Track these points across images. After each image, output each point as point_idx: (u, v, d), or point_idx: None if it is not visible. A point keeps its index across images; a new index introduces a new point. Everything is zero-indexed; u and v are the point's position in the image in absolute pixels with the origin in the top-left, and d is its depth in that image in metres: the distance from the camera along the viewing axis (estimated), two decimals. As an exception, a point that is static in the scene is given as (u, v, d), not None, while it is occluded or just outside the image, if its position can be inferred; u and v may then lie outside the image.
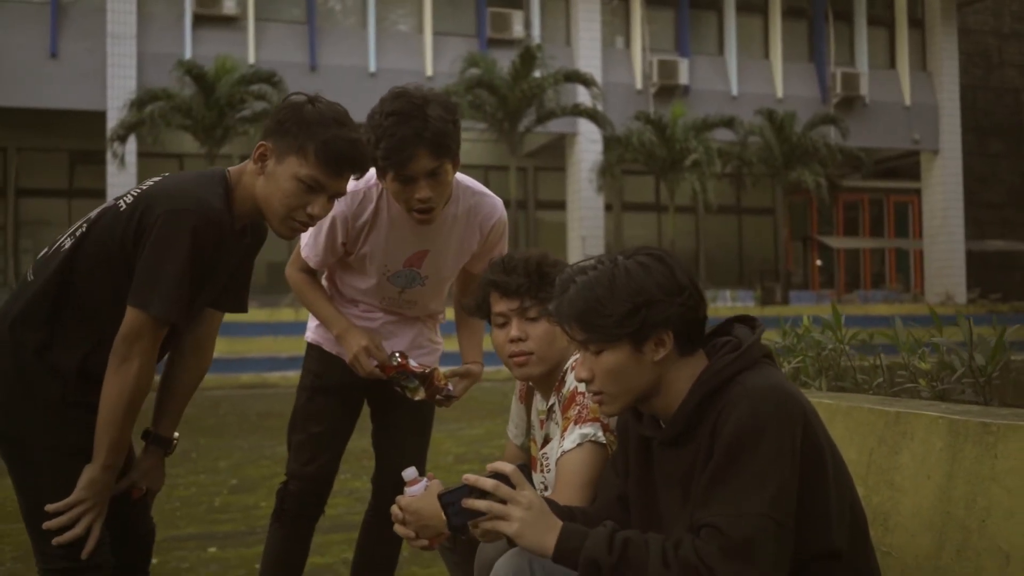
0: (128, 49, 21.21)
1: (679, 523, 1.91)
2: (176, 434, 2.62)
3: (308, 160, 2.30)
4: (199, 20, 22.20)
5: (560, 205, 25.23)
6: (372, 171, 2.77)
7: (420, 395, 2.95)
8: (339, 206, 2.81)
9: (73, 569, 2.29)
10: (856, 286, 29.08)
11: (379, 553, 3.24)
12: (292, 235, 2.41)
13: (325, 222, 2.86)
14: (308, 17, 22.89)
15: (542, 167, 26.11)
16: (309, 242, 2.96)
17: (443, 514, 1.94)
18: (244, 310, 2.66)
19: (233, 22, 22.44)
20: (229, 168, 2.40)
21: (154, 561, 4.38)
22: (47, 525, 2.26)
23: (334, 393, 3.09)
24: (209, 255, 2.29)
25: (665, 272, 1.93)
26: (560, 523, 1.87)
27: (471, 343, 3.16)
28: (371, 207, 2.88)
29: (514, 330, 2.51)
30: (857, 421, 2.75)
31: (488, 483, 1.88)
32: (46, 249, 2.41)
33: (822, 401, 2.92)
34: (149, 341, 2.26)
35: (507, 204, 22.79)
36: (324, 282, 3.13)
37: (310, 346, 3.17)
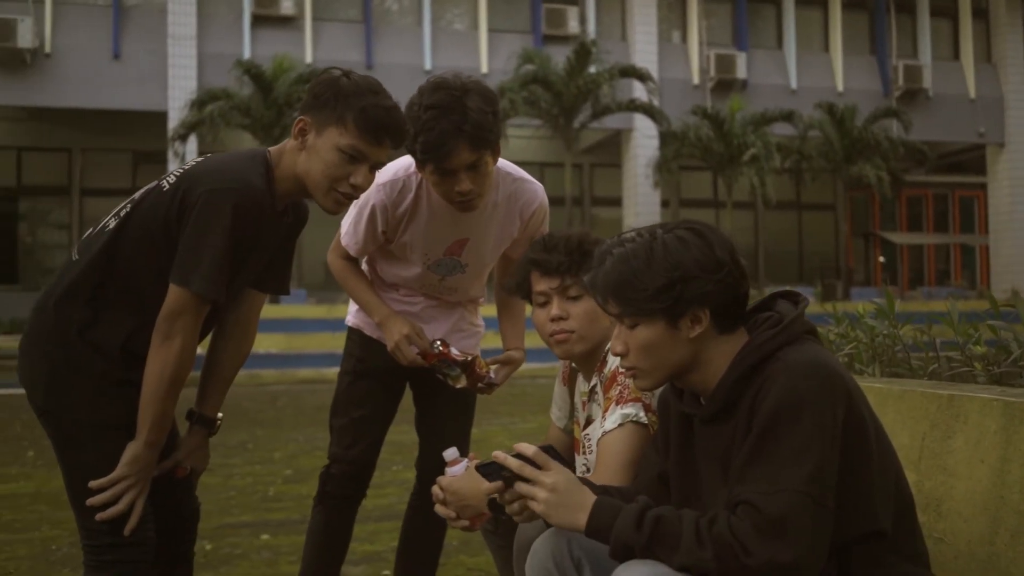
0: (188, 50, 21.56)
1: (719, 500, 1.87)
2: (220, 414, 2.63)
3: (347, 129, 2.32)
4: (257, 20, 22.49)
5: (616, 201, 25.13)
6: (411, 160, 2.77)
7: (462, 383, 2.95)
8: (379, 195, 2.82)
9: (115, 545, 2.31)
10: (920, 283, 28.57)
11: (424, 538, 3.24)
12: (337, 208, 2.41)
13: (365, 211, 2.87)
14: (364, 16, 23.08)
15: (598, 163, 26.04)
16: (349, 231, 2.97)
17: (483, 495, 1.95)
18: (286, 292, 2.68)
19: (291, 22, 22.70)
20: (270, 148, 2.42)
21: (208, 547, 4.48)
22: (91, 501, 2.28)
23: (376, 377, 3.09)
24: (249, 234, 2.31)
25: (704, 248, 1.89)
26: (593, 498, 1.85)
27: (513, 330, 3.15)
28: (411, 196, 2.86)
29: (555, 309, 2.50)
30: (909, 405, 2.69)
31: (513, 463, 1.87)
32: (91, 229, 2.44)
33: (873, 386, 2.86)
34: (191, 318, 2.28)
35: (562, 201, 22.88)
36: (364, 267, 3.13)
37: (351, 330, 3.18)
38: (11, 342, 17.87)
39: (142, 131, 22.73)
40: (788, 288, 2.07)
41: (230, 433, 8.49)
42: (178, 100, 20.92)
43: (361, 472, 3.09)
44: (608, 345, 2.45)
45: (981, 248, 28.98)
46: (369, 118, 2.32)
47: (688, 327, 1.89)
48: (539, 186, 3.02)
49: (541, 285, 2.53)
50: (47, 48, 21.15)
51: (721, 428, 1.91)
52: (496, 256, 3.08)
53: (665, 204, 24.45)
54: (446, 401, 3.15)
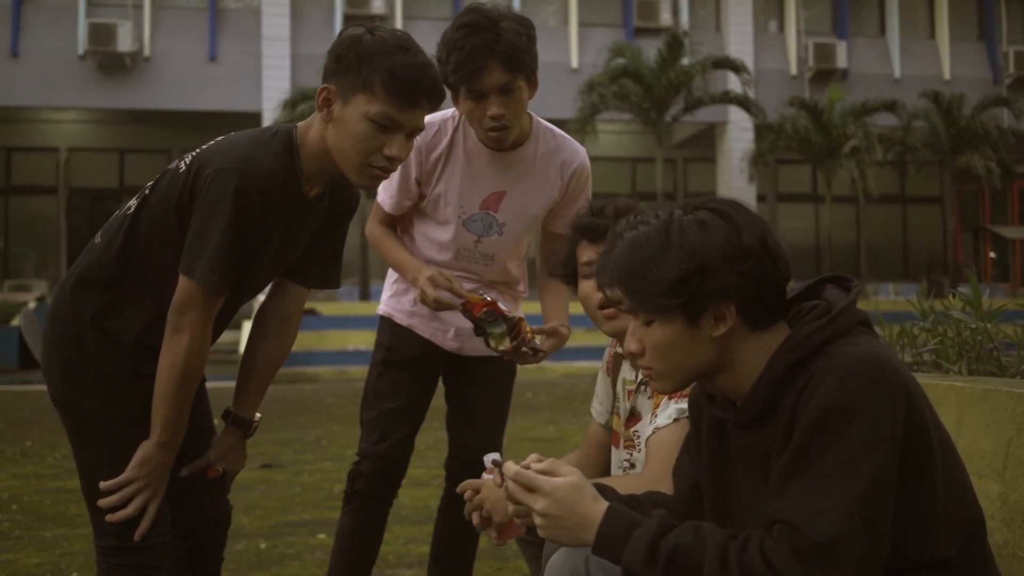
0: (282, 51, 21.87)
1: (760, 515, 1.59)
2: (258, 415, 2.48)
3: (376, 95, 2.07)
4: (349, 20, 22.69)
5: (711, 196, 24.66)
6: (451, 109, 2.73)
7: (505, 344, 2.68)
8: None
9: (123, 549, 2.18)
10: (1033, 278, 27.38)
11: (457, 540, 3.08)
12: (373, 184, 2.22)
13: None
14: (454, 14, 23.03)
15: (691, 158, 25.62)
16: (382, 183, 2.82)
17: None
18: (335, 285, 2.49)
19: (382, 21, 22.86)
20: (298, 123, 2.21)
21: (262, 545, 4.39)
22: (101, 503, 2.16)
23: (406, 368, 2.94)
24: (259, 218, 2.12)
25: (729, 232, 1.60)
26: (600, 512, 1.57)
27: (557, 307, 2.92)
28: (446, 140, 2.77)
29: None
30: (994, 407, 2.41)
31: (511, 488, 1.64)
32: (116, 212, 2.31)
33: (954, 385, 2.58)
34: (200, 311, 2.12)
35: (654, 196, 22.55)
36: (408, 233, 2.97)
37: (382, 319, 3.04)
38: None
39: (237, 131, 23.10)
40: (837, 274, 1.77)
41: (308, 429, 8.48)
42: (272, 100, 21.23)
43: (391, 469, 2.93)
44: None
45: (1099, 242, 27.64)
46: (399, 79, 2.06)
47: (711, 325, 1.62)
48: (581, 147, 2.91)
49: (588, 254, 2.33)
50: (146, 52, 21.68)
51: (760, 433, 1.64)
52: (535, 221, 2.91)
53: (762, 198, 23.91)
54: (481, 396, 3.00)
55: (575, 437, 7.80)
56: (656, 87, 20.78)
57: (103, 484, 2.16)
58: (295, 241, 2.30)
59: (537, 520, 1.60)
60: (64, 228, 23.36)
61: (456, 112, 2.79)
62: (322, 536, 4.61)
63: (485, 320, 2.68)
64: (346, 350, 16.38)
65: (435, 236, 2.88)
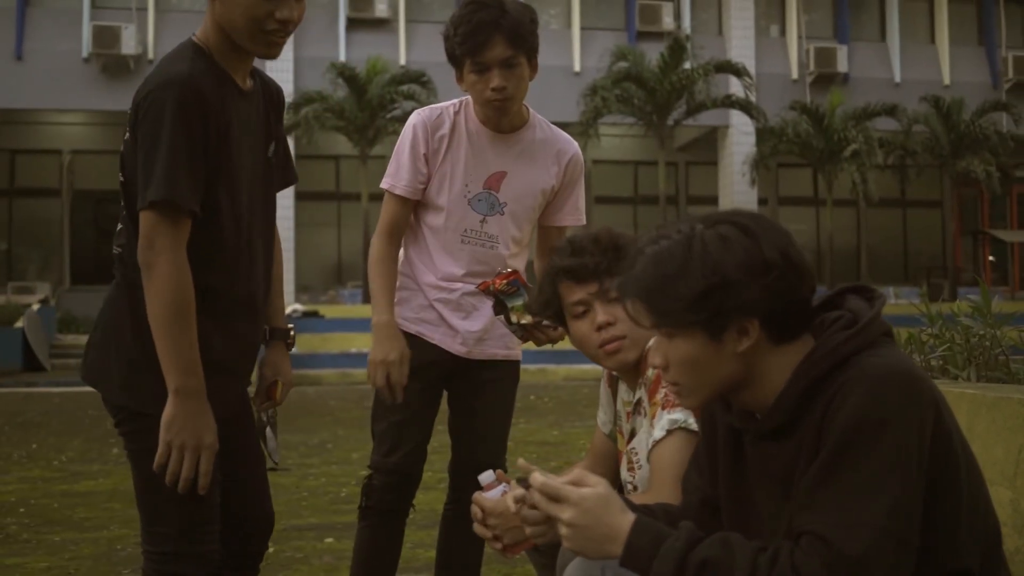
0: (285, 53, 21.76)
1: (780, 524, 1.61)
2: (291, 326, 2.50)
3: None
4: (352, 23, 22.73)
5: (712, 200, 24.68)
6: (450, 101, 2.93)
7: (526, 319, 2.67)
8: (418, 116, 2.90)
9: (179, 555, 2.15)
10: (1033, 282, 27.39)
11: (464, 546, 3.05)
12: (273, 50, 2.18)
13: (406, 135, 2.87)
14: (457, 17, 23.10)
15: (693, 161, 25.63)
16: (391, 170, 2.91)
17: None
18: (294, 180, 2.51)
19: (385, 24, 22.88)
20: (194, 33, 2.21)
21: (270, 550, 4.37)
22: (167, 481, 2.07)
23: (417, 375, 2.90)
24: (209, 121, 2.07)
25: (749, 247, 1.58)
26: (628, 525, 1.56)
27: None
28: (448, 122, 2.89)
29: (600, 315, 2.26)
30: (1005, 414, 2.43)
31: (538, 499, 1.62)
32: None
33: (965, 392, 2.60)
34: (167, 236, 2.03)
35: (656, 200, 22.57)
36: (409, 237, 2.98)
37: None
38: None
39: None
40: (859, 283, 1.76)
41: (313, 432, 8.49)
42: (275, 104, 21.22)
43: (403, 482, 2.92)
44: (649, 345, 2.24)
45: (1099, 246, 27.66)
46: None
47: (734, 340, 1.60)
48: (573, 139, 3.05)
49: (577, 294, 2.29)
50: (150, 54, 21.71)
51: (781, 446, 1.63)
52: (534, 205, 2.95)
53: (763, 202, 23.93)
54: (486, 403, 2.99)
55: (579, 441, 7.81)
56: (658, 91, 20.82)
57: (156, 467, 2.07)
58: (258, 143, 2.27)
59: (563, 530, 1.58)
60: (68, 230, 23.39)
61: (457, 102, 2.93)
62: (330, 540, 4.63)
63: (507, 292, 2.68)
64: (349, 352, 16.39)
65: (439, 226, 2.90)
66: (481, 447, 2.97)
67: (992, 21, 25.47)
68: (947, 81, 24.80)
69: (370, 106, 20.66)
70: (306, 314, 18.95)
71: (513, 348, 2.99)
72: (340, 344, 16.91)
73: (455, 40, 2.73)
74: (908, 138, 22.83)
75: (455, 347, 2.92)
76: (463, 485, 2.97)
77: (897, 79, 24.67)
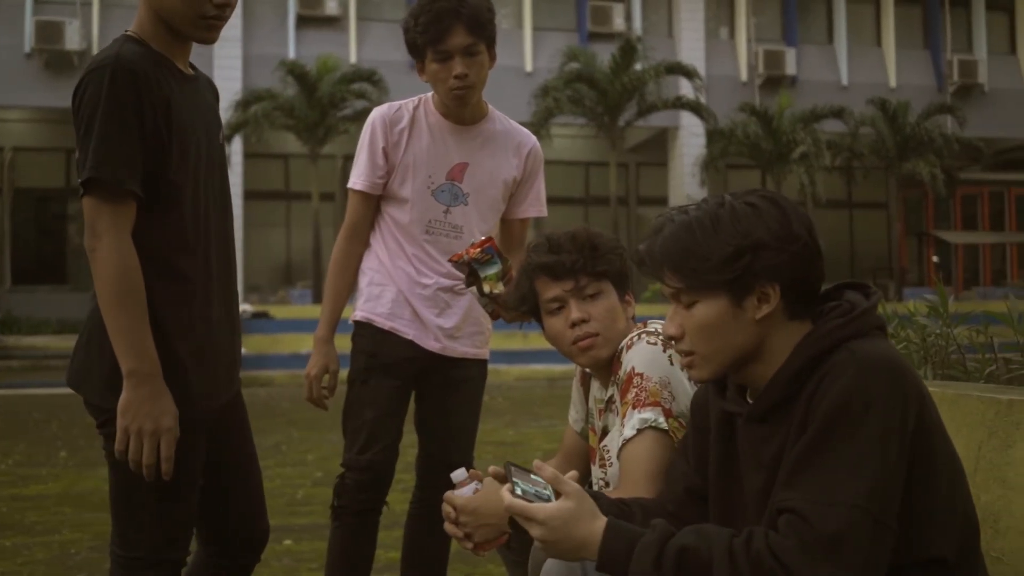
0: (234, 51, 21.65)
1: (766, 510, 1.62)
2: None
3: None
4: (302, 21, 22.54)
5: (662, 201, 24.87)
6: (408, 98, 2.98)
7: (498, 288, 2.68)
8: (377, 112, 2.95)
9: (149, 563, 2.10)
10: (975, 283, 27.96)
11: (431, 544, 3.05)
12: (212, 34, 2.15)
13: (366, 132, 2.92)
14: (409, 15, 23.04)
15: (644, 162, 25.80)
16: (354, 168, 2.95)
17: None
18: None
19: (335, 22, 22.73)
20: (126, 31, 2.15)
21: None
22: (133, 468, 2.00)
23: (390, 373, 2.92)
24: (143, 100, 2.01)
25: (779, 216, 1.65)
26: (599, 530, 1.59)
27: None
28: (407, 116, 2.93)
29: (575, 312, 2.27)
30: (964, 411, 2.47)
31: (505, 499, 1.64)
32: None
33: (924, 385, 2.64)
34: (107, 218, 1.98)
35: (607, 200, 22.68)
36: (377, 235, 2.98)
37: (360, 325, 2.98)
38: (60, 342, 18.06)
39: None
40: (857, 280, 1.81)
41: (265, 435, 8.40)
42: (223, 101, 20.60)
43: (377, 480, 2.91)
44: (622, 344, 2.24)
45: (1039, 247, 28.32)
46: None
47: (755, 306, 1.65)
48: (531, 134, 3.10)
49: (553, 291, 2.30)
50: (95, 50, 21.33)
51: (772, 429, 1.66)
52: (497, 197, 2.98)
53: (712, 203, 24.17)
54: (457, 401, 3.00)
55: (535, 441, 7.84)
56: (610, 92, 20.94)
57: (117, 453, 2.00)
58: (210, 127, 2.23)
59: (537, 544, 1.63)
60: (8, 229, 22.93)
61: (416, 98, 2.97)
62: (288, 542, 4.59)
63: (481, 260, 2.68)
64: (300, 353, 16.24)
65: (404, 218, 2.92)
66: (452, 445, 2.97)
67: (937, 25, 25.96)
68: (893, 84, 25.22)
69: (320, 104, 20.52)
70: (255, 315, 18.77)
71: (482, 348, 3.01)
72: (290, 345, 16.76)
73: (416, 30, 2.77)
74: (855, 140, 23.18)
75: (429, 343, 2.92)
76: (432, 483, 2.96)
77: (844, 82, 25.04)
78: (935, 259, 28.47)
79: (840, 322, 1.63)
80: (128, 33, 2.13)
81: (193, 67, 2.24)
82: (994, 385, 2.70)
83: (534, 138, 3.08)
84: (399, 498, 5.39)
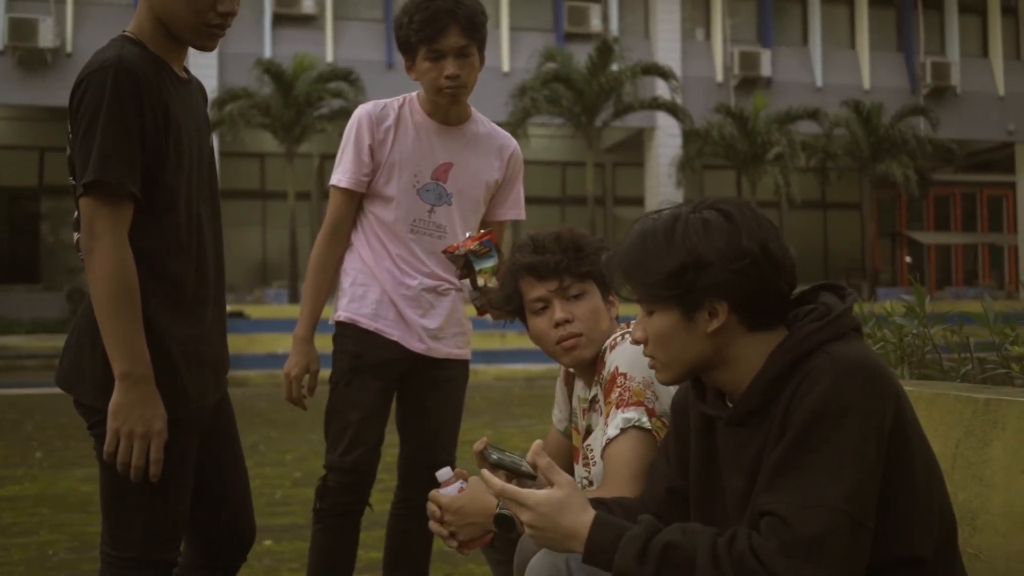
0: (208, 49, 21.53)
1: (747, 511, 1.66)
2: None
3: None
4: (278, 20, 22.47)
5: (639, 201, 24.96)
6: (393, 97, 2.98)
7: (492, 283, 2.67)
8: (363, 109, 2.94)
9: (140, 563, 2.10)
10: (947, 283, 28.25)
11: (413, 545, 3.05)
12: (213, 42, 2.16)
13: (351, 129, 2.90)
14: (385, 15, 23.00)
15: (620, 162, 25.89)
16: (337, 165, 2.93)
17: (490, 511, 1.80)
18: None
19: (311, 21, 22.67)
20: (124, 29, 2.16)
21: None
22: (121, 470, 2.01)
23: (375, 373, 2.91)
24: (146, 103, 2.02)
25: (728, 232, 1.65)
26: (587, 523, 1.62)
27: None
28: (393, 114, 2.92)
29: (559, 312, 2.30)
30: (942, 410, 2.51)
31: (496, 485, 1.68)
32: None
33: (901, 386, 2.67)
34: (106, 219, 1.98)
35: (584, 200, 22.75)
36: (359, 235, 2.96)
37: (344, 326, 2.96)
38: (33, 342, 17.92)
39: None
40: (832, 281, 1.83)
41: (243, 435, 8.28)
42: (199, 99, 20.90)
43: (360, 481, 2.91)
44: (606, 344, 2.27)
45: (1010, 248, 28.63)
46: None
47: (705, 320, 1.67)
48: (512, 136, 3.13)
49: (537, 291, 2.33)
50: (68, 48, 21.21)
51: (751, 432, 1.68)
52: (480, 197, 2.99)
53: (688, 203, 24.28)
54: (440, 401, 3.00)
55: (514, 440, 7.84)
56: (587, 92, 21.00)
57: (106, 456, 2.01)
58: (202, 130, 2.24)
59: (526, 530, 1.66)
60: (-20, 228, 22.74)
61: (401, 97, 2.97)
62: (268, 543, 4.58)
63: (479, 253, 2.69)
64: (276, 353, 16.17)
65: (388, 217, 2.90)
66: (435, 445, 2.97)
67: (911, 27, 26.19)
68: (867, 86, 25.42)
69: (296, 103, 20.47)
70: (231, 315, 18.64)
71: (464, 348, 3.01)
72: (267, 345, 16.68)
73: (411, 27, 2.77)
74: (829, 141, 23.36)
75: (413, 344, 2.91)
76: (414, 483, 2.97)
77: (819, 83, 25.22)
78: (908, 259, 28.72)
79: (816, 326, 1.65)
80: (126, 34, 2.13)
81: (186, 70, 2.25)
82: (971, 384, 2.74)
83: (515, 141, 3.09)
84: (380, 498, 5.38)
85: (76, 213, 2.14)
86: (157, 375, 2.02)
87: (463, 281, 2.77)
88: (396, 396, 3.03)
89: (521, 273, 2.34)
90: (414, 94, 2.97)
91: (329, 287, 2.97)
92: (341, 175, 2.91)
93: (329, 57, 22.14)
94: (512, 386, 13.24)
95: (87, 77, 2.01)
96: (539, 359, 17.84)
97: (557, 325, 2.30)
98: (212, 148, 2.32)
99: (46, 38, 20.44)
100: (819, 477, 1.53)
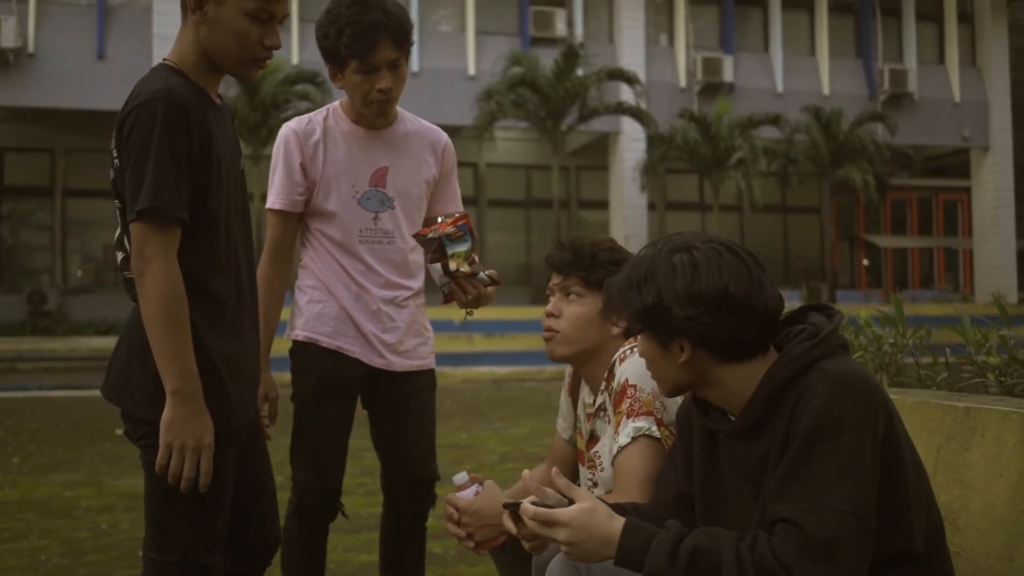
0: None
1: (751, 520, 1.80)
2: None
3: None
4: (244, 21, 22.32)
5: (603, 204, 25.13)
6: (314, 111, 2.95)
7: (464, 267, 2.68)
8: (288, 127, 2.90)
9: (183, 566, 2.19)
10: (904, 286, 28.67)
11: (406, 560, 3.05)
12: (255, 74, 2.27)
13: (279, 149, 2.87)
14: (351, 17, 22.95)
15: (585, 166, 26.03)
16: (270, 187, 2.90)
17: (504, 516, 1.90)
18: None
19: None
20: (164, 57, 2.26)
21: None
22: (172, 482, 2.10)
23: (340, 392, 2.91)
24: (193, 133, 2.13)
25: (689, 279, 1.80)
26: (618, 529, 1.75)
27: None
28: (319, 128, 2.90)
29: (550, 305, 2.50)
30: (924, 418, 2.65)
31: (529, 510, 1.80)
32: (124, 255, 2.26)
33: (889, 396, 2.81)
34: (157, 244, 2.08)
35: (549, 203, 22.85)
36: (309, 252, 2.94)
37: (302, 345, 2.91)
38: (-6, 344, 17.73)
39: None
40: (821, 302, 1.99)
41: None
42: (163, 101, 20.72)
43: (336, 498, 2.94)
44: (615, 357, 2.39)
45: (964, 251, 29.11)
46: None
47: (677, 352, 1.84)
48: (440, 130, 3.11)
49: (552, 280, 2.53)
50: (31, 48, 20.98)
51: (753, 444, 1.83)
52: (421, 196, 2.98)
53: (652, 207, 24.46)
54: (410, 413, 2.98)
55: (489, 443, 7.94)
56: (552, 96, 21.10)
57: (158, 469, 2.10)
58: (235, 155, 2.34)
59: (563, 548, 1.78)
60: (-60, 229, 22.41)
61: (324, 108, 2.95)
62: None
63: (453, 236, 2.68)
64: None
65: (334, 231, 2.89)
66: (414, 460, 2.97)
67: (869, 35, 26.56)
68: (827, 92, 25.74)
69: (263, 106, 20.41)
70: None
71: (428, 357, 3.02)
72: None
73: (342, 42, 2.73)
74: (790, 147, 23.61)
75: (375, 360, 2.90)
76: (400, 499, 3.00)
77: (780, 89, 25.49)
78: (866, 262, 29.13)
79: (806, 346, 1.79)
80: (168, 63, 2.22)
81: (219, 97, 2.34)
82: (951, 393, 2.89)
83: (445, 135, 3.08)
84: (362, 502, 5.48)
85: (118, 232, 2.24)
86: (204, 390, 2.12)
87: (433, 266, 2.72)
88: (368, 415, 3.02)
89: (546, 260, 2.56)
90: (336, 103, 2.95)
91: (278, 309, 2.92)
92: (275, 197, 2.88)
93: (295, 59, 22.08)
94: (481, 388, 13.32)
95: (137, 107, 2.10)
96: (505, 361, 17.92)
97: (546, 315, 2.50)
98: (243, 172, 2.42)
99: (8, 38, 20.21)
100: (824, 484, 1.68)
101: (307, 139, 2.87)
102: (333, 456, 2.91)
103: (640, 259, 1.87)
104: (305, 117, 2.93)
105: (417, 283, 3.00)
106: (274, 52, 2.28)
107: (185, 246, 2.14)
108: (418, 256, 2.98)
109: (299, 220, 2.93)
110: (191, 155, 2.13)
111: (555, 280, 2.51)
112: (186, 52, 2.23)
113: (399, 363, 2.94)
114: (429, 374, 3.03)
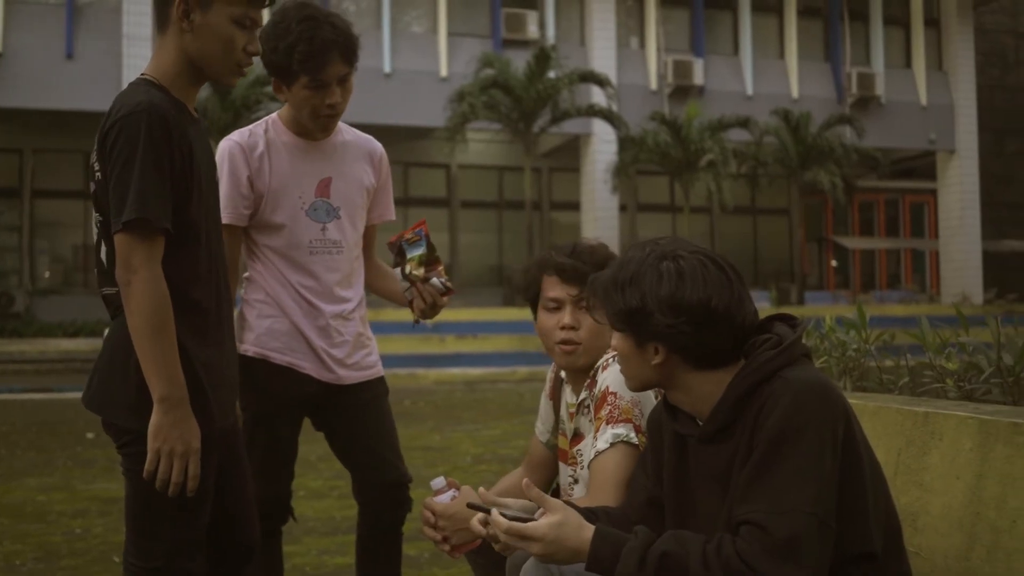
0: (143, 50, 21.24)
1: (718, 522, 1.88)
2: None
3: None
4: (214, 22, 22.20)
5: (574, 206, 25.21)
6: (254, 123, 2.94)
7: (420, 272, 2.79)
8: (230, 140, 2.88)
9: (164, 570, 2.23)
10: (872, 287, 28.96)
11: (383, 563, 3.07)
12: (236, 80, 2.35)
13: (223, 163, 2.82)
14: (323, 18, 22.87)
15: (556, 168, 26.10)
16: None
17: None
18: None
19: (248, 24, 22.44)
20: (142, 72, 2.31)
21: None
22: (160, 487, 2.14)
23: (293, 407, 2.93)
24: (175, 145, 2.17)
25: (674, 288, 1.87)
26: (588, 539, 1.82)
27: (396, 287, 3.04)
28: (262, 140, 2.88)
29: (567, 317, 2.48)
30: (884, 422, 2.73)
31: (502, 524, 1.86)
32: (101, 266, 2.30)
33: (850, 402, 2.89)
34: (142, 253, 2.13)
35: (521, 205, 22.89)
36: (257, 267, 2.93)
37: (252, 360, 2.87)
38: (-39, 347, 17.54)
39: (95, 132, 22.21)
40: (784, 312, 2.07)
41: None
42: (133, 101, 20.57)
43: (283, 507, 2.98)
44: (598, 364, 2.46)
45: (931, 252, 29.43)
46: None
47: (652, 354, 1.92)
48: (373, 138, 3.12)
49: (557, 291, 2.51)
50: (0, 48, 20.80)
51: (719, 448, 1.91)
52: (362, 203, 3.00)
53: (623, 209, 24.56)
54: (371, 424, 2.99)
55: (462, 445, 7.99)
56: (525, 99, 21.14)
57: (146, 475, 2.14)
58: (211, 166, 2.39)
59: (535, 549, 1.85)
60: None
61: (262, 121, 2.94)
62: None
63: (410, 241, 2.81)
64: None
65: (282, 244, 2.88)
66: (383, 466, 2.99)
67: (837, 39, 26.78)
68: (796, 95, 25.92)
69: (234, 107, 20.33)
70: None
71: (376, 365, 3.03)
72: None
73: (295, 57, 2.72)
74: (759, 149, 23.77)
75: (325, 375, 2.92)
76: (373, 508, 3.02)
77: (749, 92, 25.65)
78: (834, 263, 29.38)
79: (771, 354, 1.88)
80: (147, 77, 2.27)
81: (196, 111, 2.39)
82: (910, 398, 2.98)
83: (380, 145, 3.09)
84: (336, 505, 5.51)
85: (97, 238, 2.27)
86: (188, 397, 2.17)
87: (396, 270, 2.87)
88: (326, 431, 3.04)
89: (549, 269, 2.52)
90: (275, 115, 2.95)
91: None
92: (221, 211, 2.76)
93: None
94: (453, 390, 13.36)
95: (121, 119, 2.15)
96: (477, 363, 17.96)
97: (563, 328, 2.49)
98: (218, 183, 2.47)
99: (-25, 37, 20.04)
100: (787, 486, 1.76)
101: (252, 152, 2.85)
102: (283, 465, 2.97)
103: (627, 260, 1.93)
104: (246, 130, 2.92)
105: (359, 293, 3.03)
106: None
107: (167, 256, 2.19)
108: (360, 263, 3.04)
109: (244, 233, 2.92)
110: (174, 167, 2.18)
111: (565, 291, 2.49)
112: (166, 65, 2.28)
113: (349, 376, 2.96)
114: (380, 382, 3.05)
